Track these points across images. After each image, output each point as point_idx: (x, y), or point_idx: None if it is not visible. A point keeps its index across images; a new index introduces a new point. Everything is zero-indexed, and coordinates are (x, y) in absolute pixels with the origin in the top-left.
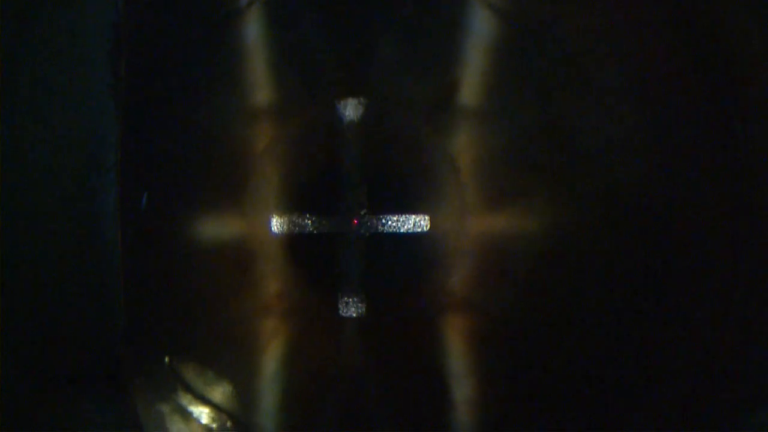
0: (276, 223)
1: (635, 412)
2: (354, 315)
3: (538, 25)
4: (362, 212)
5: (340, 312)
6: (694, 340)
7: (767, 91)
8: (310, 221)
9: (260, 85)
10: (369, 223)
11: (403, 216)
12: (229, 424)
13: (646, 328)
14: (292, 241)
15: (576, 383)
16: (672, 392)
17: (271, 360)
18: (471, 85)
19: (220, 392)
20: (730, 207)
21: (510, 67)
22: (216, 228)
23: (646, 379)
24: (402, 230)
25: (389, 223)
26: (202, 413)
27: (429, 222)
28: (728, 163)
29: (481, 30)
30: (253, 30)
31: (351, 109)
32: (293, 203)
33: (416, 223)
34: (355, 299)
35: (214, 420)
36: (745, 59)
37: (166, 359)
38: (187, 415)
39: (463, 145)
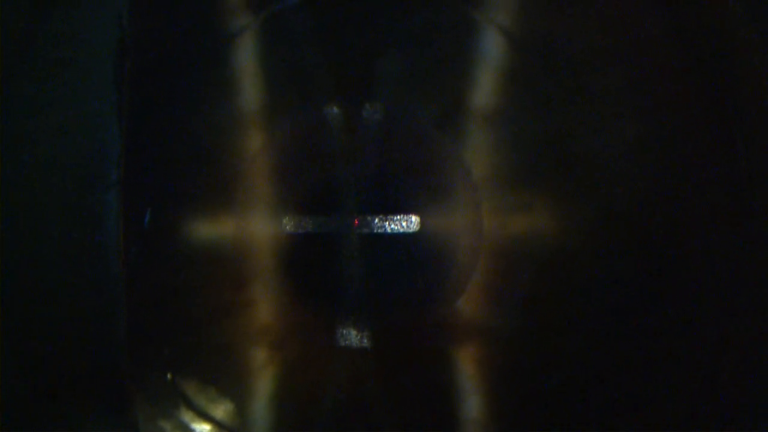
0: (280, 227)
1: (639, 417)
2: (355, 328)
3: (545, 45)
4: (362, 213)
5: (342, 322)
6: (697, 347)
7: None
8: (311, 222)
9: (262, 98)
10: (370, 224)
11: (405, 216)
12: None
13: (649, 332)
14: (293, 245)
15: (580, 393)
16: (676, 395)
17: (273, 378)
18: (474, 97)
19: (222, 410)
20: (732, 217)
21: (514, 82)
22: (218, 239)
23: (651, 382)
24: (404, 231)
25: (391, 224)
26: (204, 430)
27: (428, 224)
28: (729, 174)
29: (486, 50)
30: (257, 47)
31: (353, 118)
32: (295, 207)
33: (417, 225)
34: (357, 308)
35: None
36: (746, 71)
37: (169, 375)
38: None
39: (469, 155)
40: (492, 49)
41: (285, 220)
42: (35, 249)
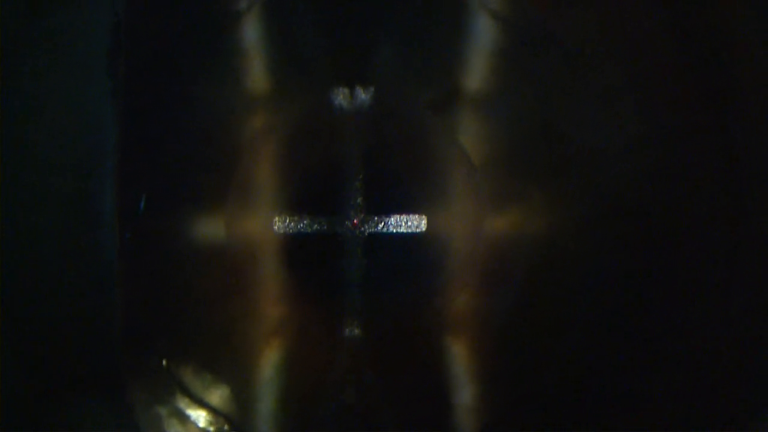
0: (276, 224)
1: (635, 416)
2: (353, 320)
3: (538, 28)
4: (362, 213)
5: (340, 316)
6: (693, 343)
7: (767, 96)
8: (309, 221)
9: (260, 86)
10: (369, 224)
11: (405, 216)
12: (226, 427)
13: (645, 332)
14: (291, 243)
15: (574, 387)
16: (672, 396)
17: (269, 364)
18: (469, 86)
19: (218, 396)
20: (729, 212)
21: (509, 70)
22: (214, 230)
23: (646, 382)
24: (403, 231)
25: (390, 223)
26: (200, 416)
27: (427, 223)
28: (727, 168)
29: (479, 33)
30: (254, 32)
31: (350, 108)
32: (293, 204)
33: (416, 223)
34: (356, 304)
35: (211, 423)
36: (745, 64)
37: (164, 362)
38: (184, 419)
39: (467, 142)
40: (486, 36)
41: (281, 216)
42: (30, 239)
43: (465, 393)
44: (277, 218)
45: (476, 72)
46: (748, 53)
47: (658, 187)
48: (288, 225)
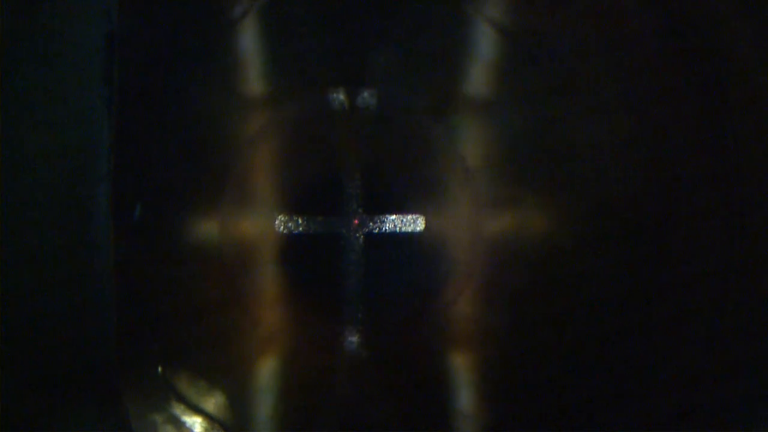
0: (275, 225)
1: (632, 421)
2: (351, 325)
3: (534, 37)
4: (361, 214)
5: (338, 321)
6: (689, 347)
7: (760, 103)
8: (308, 222)
9: (256, 91)
10: (368, 224)
11: (403, 216)
12: None
13: (641, 337)
14: (290, 244)
15: (571, 392)
16: (669, 399)
17: (265, 370)
18: (467, 91)
19: (213, 402)
20: (724, 217)
21: (505, 77)
22: (211, 233)
23: (642, 387)
24: (402, 231)
25: (389, 224)
26: (195, 423)
27: (425, 224)
28: (721, 174)
29: (476, 42)
30: (250, 39)
31: (349, 110)
32: (292, 205)
33: (414, 224)
34: (354, 308)
35: (207, 430)
36: (737, 70)
37: (159, 369)
38: (180, 425)
39: (463, 146)
40: (483, 43)
41: (278, 218)
42: (24, 244)
43: (464, 398)
44: (276, 219)
45: (474, 78)
46: (738, 47)
47: (651, 183)
48: (287, 226)
